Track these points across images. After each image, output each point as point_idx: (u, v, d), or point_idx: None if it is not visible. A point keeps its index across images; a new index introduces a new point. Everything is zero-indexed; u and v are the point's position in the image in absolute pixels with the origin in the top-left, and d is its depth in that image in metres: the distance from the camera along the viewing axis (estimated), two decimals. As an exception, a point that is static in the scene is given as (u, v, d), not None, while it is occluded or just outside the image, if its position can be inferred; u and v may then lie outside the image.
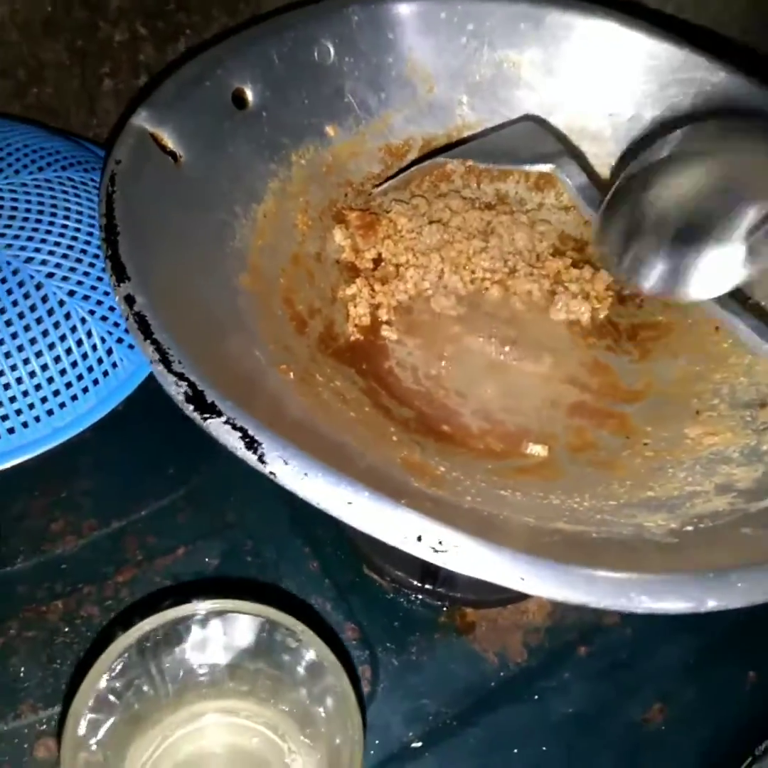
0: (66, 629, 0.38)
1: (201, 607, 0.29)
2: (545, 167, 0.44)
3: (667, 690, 0.39)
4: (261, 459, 0.29)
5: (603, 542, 0.33)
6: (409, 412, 0.42)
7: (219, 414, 0.30)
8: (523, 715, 0.38)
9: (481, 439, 0.42)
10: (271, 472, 0.29)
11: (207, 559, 0.41)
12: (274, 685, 0.31)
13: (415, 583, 0.41)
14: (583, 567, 0.28)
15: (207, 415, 0.30)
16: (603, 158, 0.52)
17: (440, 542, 0.28)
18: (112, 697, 0.28)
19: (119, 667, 0.28)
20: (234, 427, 0.30)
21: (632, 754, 0.38)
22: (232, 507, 0.42)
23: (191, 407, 0.30)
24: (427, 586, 0.41)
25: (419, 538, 0.28)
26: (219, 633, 0.29)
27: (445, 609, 0.41)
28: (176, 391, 0.30)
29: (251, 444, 0.29)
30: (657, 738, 0.38)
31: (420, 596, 0.41)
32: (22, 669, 0.37)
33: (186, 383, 0.31)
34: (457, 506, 0.35)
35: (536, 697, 0.39)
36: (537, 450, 0.42)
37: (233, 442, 0.29)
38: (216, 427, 0.30)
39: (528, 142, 0.47)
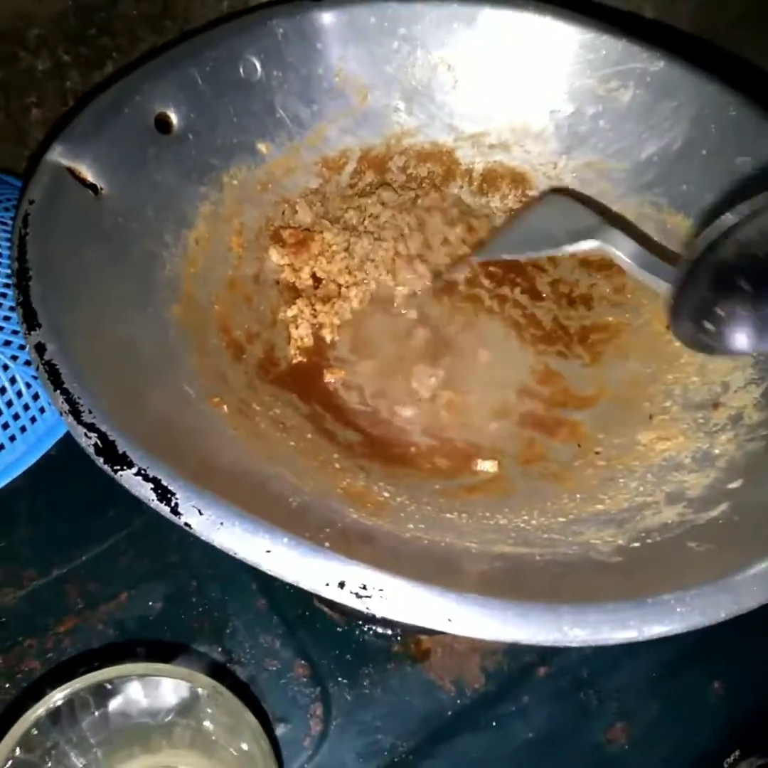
0: (7, 685, 0.37)
1: (115, 671, 0.28)
2: (591, 244, 0.41)
3: (630, 707, 0.38)
4: (175, 510, 0.28)
5: (545, 565, 0.32)
6: (354, 435, 0.41)
7: (130, 465, 0.29)
8: (483, 743, 0.37)
9: (429, 459, 0.41)
10: (185, 524, 0.28)
11: (151, 603, 0.39)
12: (206, 739, 0.30)
13: (367, 613, 0.40)
14: (515, 602, 0.27)
15: (117, 467, 0.29)
16: (547, 157, 0.51)
17: (363, 587, 0.27)
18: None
19: (29, 740, 0.26)
20: (146, 478, 0.28)
21: (597, 777, 0.37)
22: (175, 547, 0.41)
23: (101, 459, 0.29)
24: (378, 616, 0.39)
25: (342, 584, 0.27)
26: (140, 695, 0.28)
27: (398, 637, 0.40)
28: (86, 442, 0.29)
29: (164, 495, 0.28)
30: (621, 758, 0.37)
31: (373, 626, 0.40)
32: (-36, 729, 0.36)
33: (96, 434, 0.29)
34: (397, 536, 0.34)
35: (495, 723, 0.38)
36: (487, 466, 0.41)
37: (146, 493, 0.28)
38: (127, 479, 0.29)
39: (562, 220, 0.44)
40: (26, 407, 0.40)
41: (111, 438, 0.29)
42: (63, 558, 0.40)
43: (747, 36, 0.59)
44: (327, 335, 0.45)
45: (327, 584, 0.27)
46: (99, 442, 0.29)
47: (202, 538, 0.28)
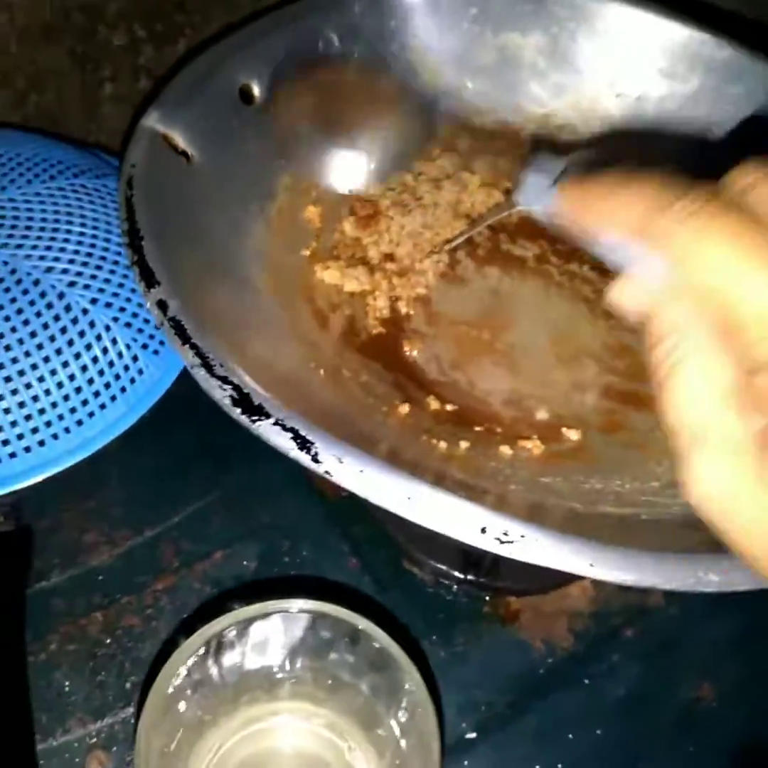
0: (108, 641, 0.38)
1: (260, 608, 0.29)
2: None
3: (716, 666, 0.39)
4: (315, 458, 0.29)
5: (655, 524, 0.33)
6: (438, 403, 0.42)
7: (267, 416, 0.29)
8: (575, 700, 0.38)
9: (513, 428, 0.42)
10: (326, 471, 0.28)
11: (245, 562, 0.40)
12: (334, 684, 0.31)
13: (457, 574, 0.41)
14: (649, 549, 0.28)
15: (256, 418, 0.29)
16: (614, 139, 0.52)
17: (506, 533, 0.27)
18: (179, 704, 0.27)
19: (184, 673, 0.27)
20: (284, 428, 0.29)
21: (686, 733, 0.38)
22: (266, 507, 0.42)
23: (238, 410, 0.30)
24: (469, 577, 0.40)
25: (483, 530, 0.27)
26: (279, 633, 0.29)
27: (487, 599, 0.41)
28: (222, 394, 0.30)
29: (304, 444, 0.29)
30: (710, 714, 0.38)
31: (462, 587, 0.41)
32: (67, 683, 0.37)
33: (230, 387, 0.30)
34: (503, 495, 0.35)
35: (586, 681, 0.39)
36: (570, 435, 0.41)
37: (285, 443, 0.29)
38: (266, 429, 0.29)
39: None
40: (126, 368, 0.41)
41: (246, 390, 0.30)
42: (156, 518, 0.41)
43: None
44: (403, 308, 0.46)
45: (469, 531, 0.28)
46: (235, 394, 0.30)
47: (342, 485, 0.28)
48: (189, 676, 0.27)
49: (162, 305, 0.33)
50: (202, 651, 0.28)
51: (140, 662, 0.37)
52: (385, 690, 0.29)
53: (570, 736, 0.37)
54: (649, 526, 0.33)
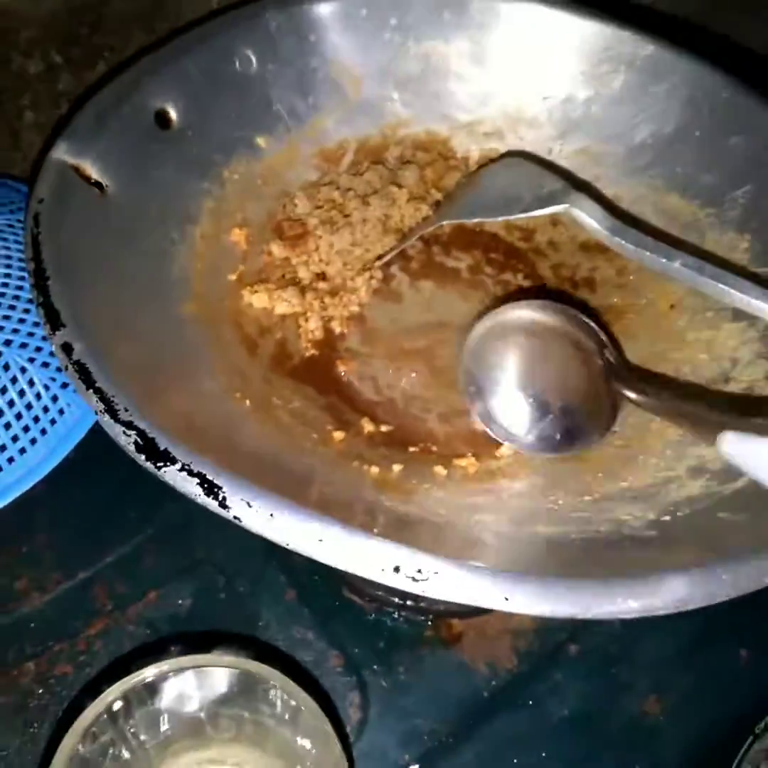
0: (40, 691, 0.37)
1: (168, 665, 0.28)
2: (559, 208, 0.41)
3: (662, 679, 0.39)
4: (223, 504, 0.28)
5: (583, 543, 0.33)
6: (372, 425, 0.41)
7: (173, 461, 0.29)
8: (520, 722, 0.38)
9: (449, 445, 0.41)
10: (234, 517, 0.28)
11: (180, 601, 0.39)
12: (258, 729, 0.30)
13: (397, 600, 0.40)
14: (566, 578, 0.27)
15: (161, 464, 0.29)
16: (542, 143, 0.52)
17: (419, 571, 0.27)
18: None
19: (90, 737, 0.26)
20: (191, 473, 0.28)
21: (634, 749, 0.37)
22: (200, 543, 0.41)
23: (143, 456, 0.29)
24: (409, 603, 0.40)
25: (397, 569, 0.27)
26: (193, 686, 0.28)
27: (429, 623, 0.40)
28: (126, 441, 0.29)
29: (211, 489, 0.28)
30: (657, 729, 0.38)
31: (403, 613, 0.40)
32: (-1, 738, 0.36)
33: (135, 432, 0.29)
34: (432, 522, 0.34)
35: (531, 702, 0.38)
36: (505, 448, 0.41)
37: (191, 488, 0.28)
38: (172, 475, 0.28)
39: (527, 183, 0.44)
40: (45, 409, 0.40)
41: (150, 435, 0.29)
42: (88, 561, 0.40)
43: (734, 18, 0.60)
44: (337, 327, 0.45)
45: (382, 570, 0.27)
46: (139, 440, 0.29)
47: (253, 530, 0.28)
48: (96, 739, 0.26)
49: (67, 348, 0.32)
50: (106, 716, 0.27)
51: (73, 711, 0.36)
52: (308, 735, 0.28)
53: (514, 760, 0.36)
54: (575, 547, 0.32)
